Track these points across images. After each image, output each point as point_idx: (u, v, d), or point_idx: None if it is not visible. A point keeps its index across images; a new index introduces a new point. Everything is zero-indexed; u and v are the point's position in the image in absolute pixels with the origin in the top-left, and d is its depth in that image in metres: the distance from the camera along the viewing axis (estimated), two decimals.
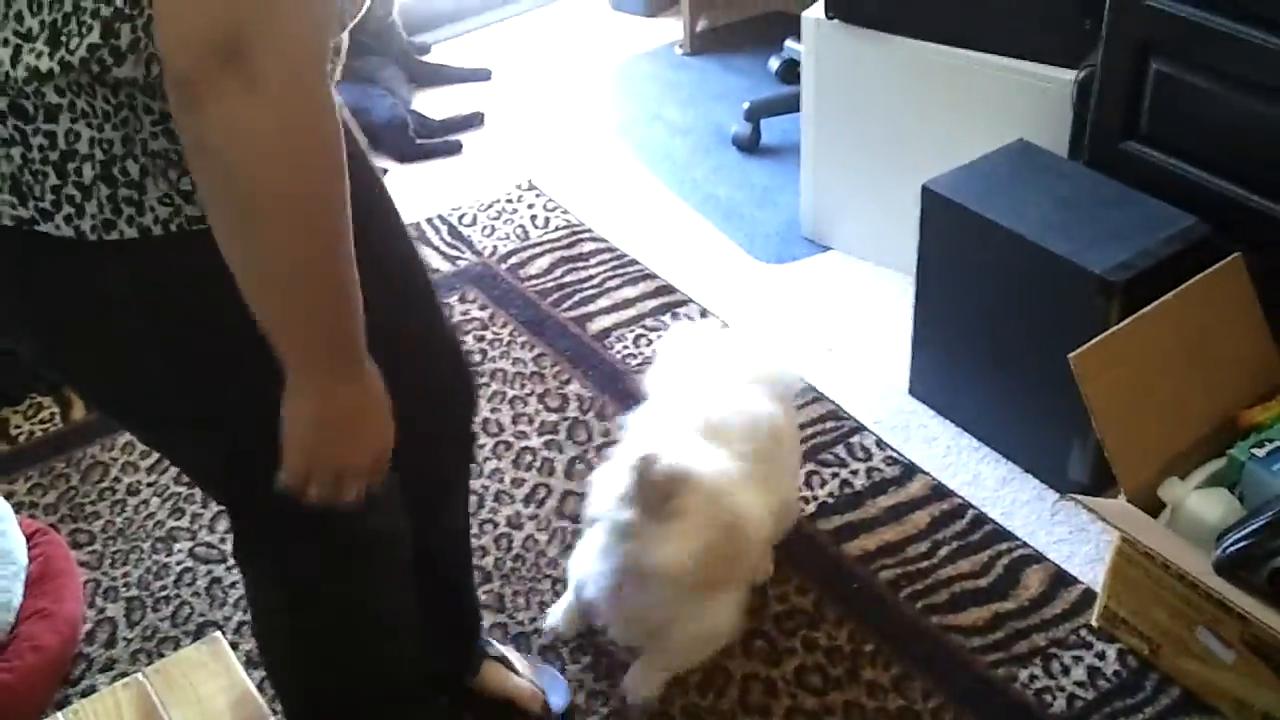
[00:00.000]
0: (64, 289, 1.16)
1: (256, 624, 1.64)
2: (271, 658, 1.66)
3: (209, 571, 2.25)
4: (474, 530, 2.29)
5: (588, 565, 1.89)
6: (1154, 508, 1.96)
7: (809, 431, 2.48)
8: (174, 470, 2.45)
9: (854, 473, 2.39)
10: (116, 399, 1.30)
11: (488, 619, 2.13)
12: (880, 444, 2.45)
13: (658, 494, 1.71)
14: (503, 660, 1.98)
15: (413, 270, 1.53)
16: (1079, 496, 1.83)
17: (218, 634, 1.81)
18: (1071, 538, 2.23)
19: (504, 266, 3.02)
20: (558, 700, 1.98)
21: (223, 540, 2.30)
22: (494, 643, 2.00)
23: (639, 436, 1.90)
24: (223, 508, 2.34)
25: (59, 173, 1.07)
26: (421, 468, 1.46)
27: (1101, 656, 2.01)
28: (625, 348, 2.74)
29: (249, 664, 2.04)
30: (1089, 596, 2.09)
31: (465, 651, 1.94)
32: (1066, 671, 1.99)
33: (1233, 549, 1.71)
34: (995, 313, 2.30)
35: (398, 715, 1.70)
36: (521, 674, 1.98)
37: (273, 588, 1.52)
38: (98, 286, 1.14)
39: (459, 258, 3.06)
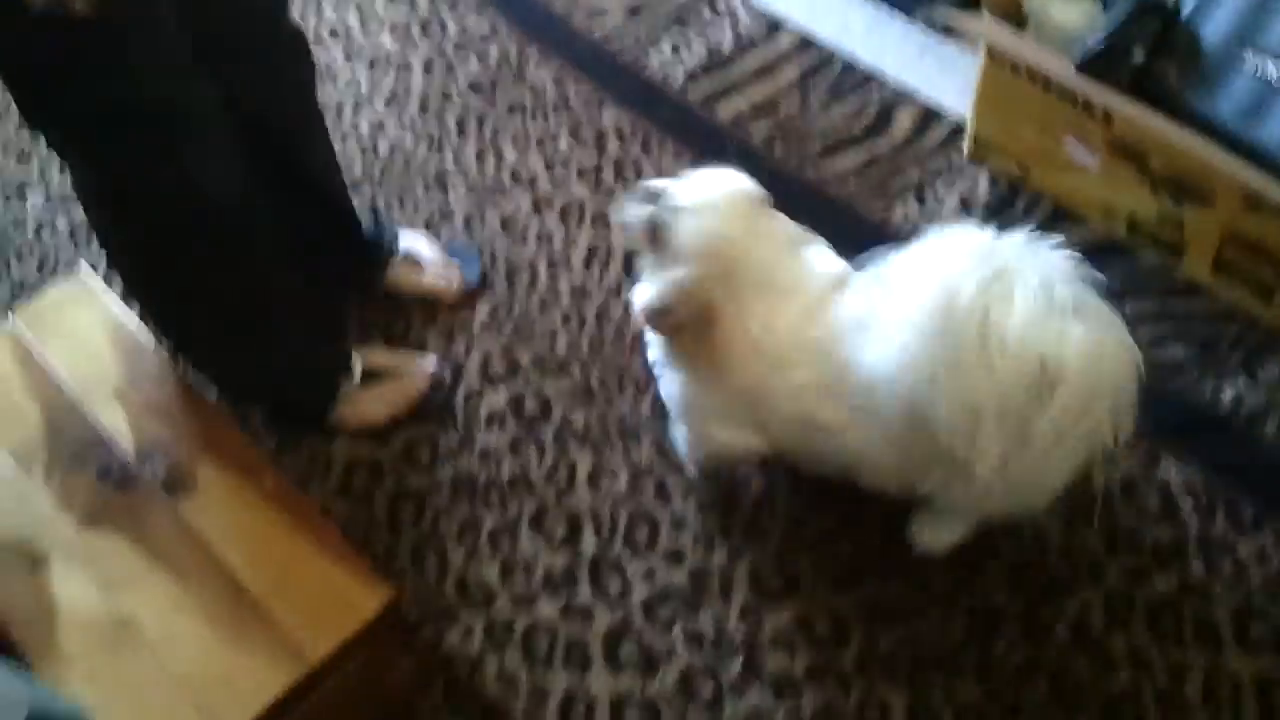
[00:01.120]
0: None
1: (88, 215, 1.63)
2: (102, 237, 1.66)
3: (68, 213, 2.16)
4: (337, 145, 2.21)
5: None
6: (1019, 25, 1.92)
7: None
8: (11, 121, 2.32)
9: (720, 32, 2.31)
10: None
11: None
12: (744, 0, 2.36)
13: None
14: (410, 258, 1.97)
15: None
16: (939, 8, 1.77)
17: (83, 265, 1.76)
18: (940, 74, 2.19)
19: None
20: (471, 274, 2.00)
21: None
22: (400, 237, 1.98)
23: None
24: None
25: None
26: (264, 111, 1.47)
27: (973, 183, 2.03)
28: None
29: (125, 296, 2.00)
30: (959, 129, 2.08)
31: (356, 254, 1.93)
32: (941, 202, 2.01)
33: (1093, 47, 1.69)
34: None
35: (258, 311, 1.69)
36: (433, 264, 1.98)
37: (78, 168, 1.50)
38: None
39: None
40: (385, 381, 1.85)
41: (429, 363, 1.89)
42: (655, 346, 1.57)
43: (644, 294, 1.45)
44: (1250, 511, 1.66)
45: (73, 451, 1.57)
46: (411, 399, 1.86)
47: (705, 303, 1.42)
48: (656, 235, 1.42)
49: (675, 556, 1.69)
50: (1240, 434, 1.73)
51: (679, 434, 1.69)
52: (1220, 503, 1.67)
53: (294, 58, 1.68)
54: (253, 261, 1.60)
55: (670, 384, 1.58)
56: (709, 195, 1.43)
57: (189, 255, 1.54)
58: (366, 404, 1.83)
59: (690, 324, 1.44)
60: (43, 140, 1.47)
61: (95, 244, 2.09)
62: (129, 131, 1.37)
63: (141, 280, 1.65)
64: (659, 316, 1.45)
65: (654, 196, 1.44)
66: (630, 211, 1.45)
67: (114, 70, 1.31)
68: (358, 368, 1.83)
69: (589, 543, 1.72)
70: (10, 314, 1.71)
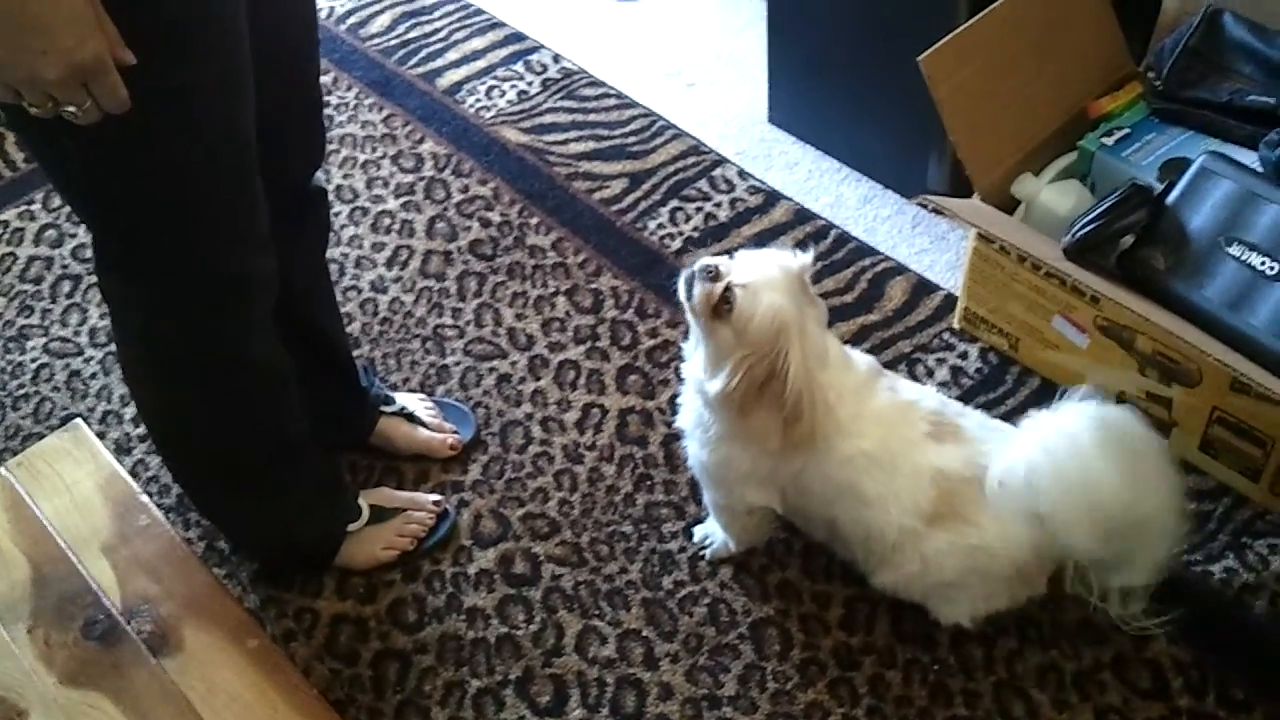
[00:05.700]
0: None
1: (122, 362, 1.65)
2: (137, 395, 1.67)
3: (66, 365, 2.18)
4: (339, 298, 2.24)
5: None
6: (1009, 208, 1.98)
7: (671, 169, 2.45)
8: (17, 269, 2.35)
9: (718, 205, 2.37)
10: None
11: None
12: (742, 174, 2.43)
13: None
14: (404, 414, 1.99)
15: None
16: (931, 197, 1.83)
17: (79, 421, 1.77)
18: (932, 248, 2.26)
19: (342, 27, 2.88)
20: (466, 432, 2.02)
21: (76, 333, 2.23)
22: (394, 397, 2.00)
23: None
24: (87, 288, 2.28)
25: None
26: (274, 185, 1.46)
27: (964, 356, 2.06)
28: (478, 101, 2.65)
29: (118, 451, 2.00)
30: (950, 301, 2.13)
31: (352, 404, 1.95)
32: (931, 374, 2.04)
33: (1081, 232, 1.74)
34: (848, 26, 2.25)
35: (274, 464, 1.70)
36: (428, 423, 2.00)
37: (129, 314, 1.51)
38: None
39: None
40: (393, 521, 1.86)
41: (434, 500, 1.90)
42: (698, 418, 1.63)
43: (717, 383, 1.50)
44: (1241, 692, 1.64)
45: (59, 604, 1.55)
46: (419, 536, 1.87)
47: (769, 374, 1.48)
48: (719, 311, 1.48)
49: None
50: (1230, 612, 1.73)
51: (708, 500, 1.76)
52: (1211, 682, 1.65)
53: (316, 215, 1.74)
54: (279, 417, 1.64)
55: (711, 452, 1.63)
56: (769, 272, 1.49)
57: (228, 410, 1.58)
58: (376, 543, 1.85)
59: (753, 395, 1.50)
60: (50, 300, 1.50)
61: (91, 394, 2.11)
62: (217, 292, 1.44)
63: (170, 432, 1.67)
64: (731, 395, 1.50)
65: (716, 273, 1.49)
66: (698, 289, 1.50)
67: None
68: (365, 508, 1.84)
69: (575, 712, 1.69)
70: (3, 462, 1.71)
